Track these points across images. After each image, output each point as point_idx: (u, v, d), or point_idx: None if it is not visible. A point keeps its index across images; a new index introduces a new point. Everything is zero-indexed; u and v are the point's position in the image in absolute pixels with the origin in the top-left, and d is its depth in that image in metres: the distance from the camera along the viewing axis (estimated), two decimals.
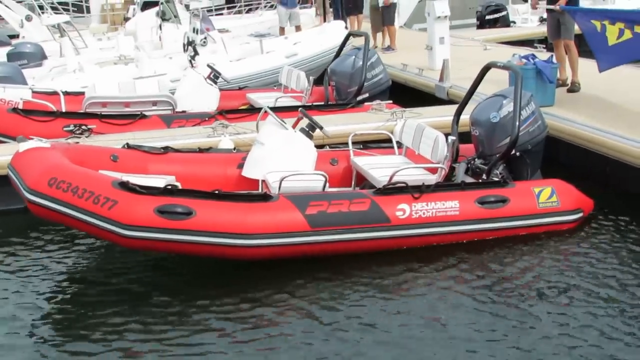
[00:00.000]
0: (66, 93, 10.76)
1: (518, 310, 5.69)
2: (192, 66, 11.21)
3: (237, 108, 10.58)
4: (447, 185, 6.92)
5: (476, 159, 7.58)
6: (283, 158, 7.27)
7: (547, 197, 6.97)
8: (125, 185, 6.26)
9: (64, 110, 10.22)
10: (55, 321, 5.94)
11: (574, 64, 9.90)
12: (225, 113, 9.68)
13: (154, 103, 10.04)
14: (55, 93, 10.65)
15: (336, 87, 10.99)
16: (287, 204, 6.40)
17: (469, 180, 7.37)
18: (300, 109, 7.74)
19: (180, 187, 7.40)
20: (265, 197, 6.44)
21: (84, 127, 8.85)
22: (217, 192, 6.43)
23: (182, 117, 9.70)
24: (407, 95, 12.68)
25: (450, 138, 7.33)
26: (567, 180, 7.42)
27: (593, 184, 8.11)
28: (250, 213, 6.30)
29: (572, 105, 9.32)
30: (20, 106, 9.74)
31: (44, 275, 6.68)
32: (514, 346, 5.20)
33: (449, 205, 6.69)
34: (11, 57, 15.28)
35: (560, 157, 8.91)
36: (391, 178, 6.88)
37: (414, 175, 7.08)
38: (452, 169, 7.61)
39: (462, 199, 6.74)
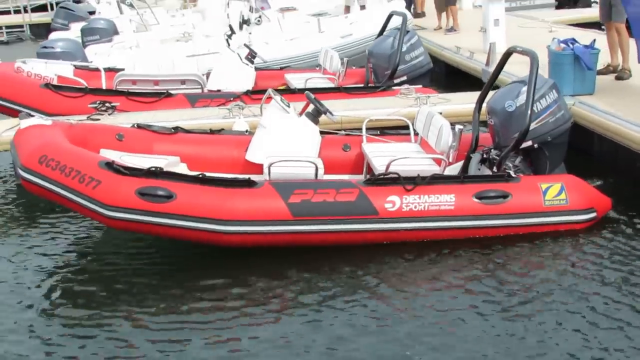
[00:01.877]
0: (108, 70, 10.91)
1: (506, 312, 5.33)
2: (229, 45, 11.12)
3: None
4: (445, 177, 6.56)
5: (492, 150, 7.16)
6: (284, 142, 7.10)
7: (555, 195, 6.48)
8: (110, 166, 6.26)
9: (104, 87, 10.38)
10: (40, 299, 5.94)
11: (625, 49, 9.20)
12: (251, 93, 9.56)
13: (183, 82, 10.03)
14: (97, 70, 10.82)
15: (374, 69, 10.70)
16: (271, 191, 6.23)
17: (486, 171, 6.99)
18: (306, 92, 7.52)
19: (186, 168, 7.43)
20: (250, 183, 6.28)
21: (107, 104, 8.93)
22: (200, 175, 6.34)
23: (208, 96, 9.64)
24: (459, 79, 12.24)
25: (458, 127, 6.95)
26: (595, 177, 6.92)
27: (624, 181, 7.54)
28: (232, 199, 6.16)
29: (616, 94, 8.68)
30: (55, 81, 9.94)
31: (35, 254, 6.72)
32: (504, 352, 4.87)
33: (443, 199, 6.33)
34: (85, 32, 15.65)
35: (594, 151, 8.34)
36: (387, 168, 6.60)
37: (417, 165, 6.75)
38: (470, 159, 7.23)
39: (459, 193, 6.37)
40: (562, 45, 8.69)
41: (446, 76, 13.38)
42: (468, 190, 6.40)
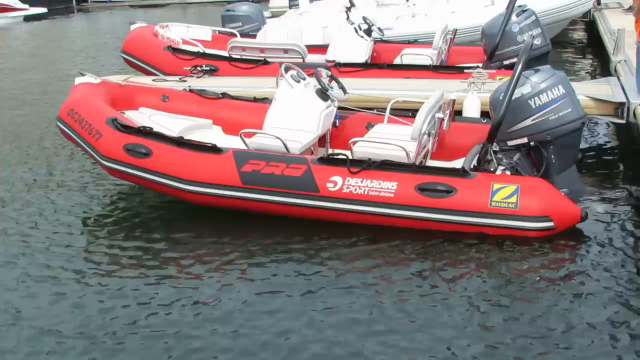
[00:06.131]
0: (245, 35, 11.90)
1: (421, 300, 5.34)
2: (348, 17, 11.40)
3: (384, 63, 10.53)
4: (396, 164, 6.44)
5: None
6: (287, 115, 7.46)
7: (505, 197, 6.05)
8: (113, 122, 7.23)
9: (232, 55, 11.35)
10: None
11: None
12: (339, 66, 9.84)
13: (286, 51, 10.59)
14: (234, 35, 11.86)
15: (485, 49, 10.28)
16: (229, 158, 6.71)
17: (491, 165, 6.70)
18: (316, 69, 7.73)
19: (220, 131, 8.16)
20: (215, 149, 6.82)
21: (199, 67, 9.89)
22: (179, 138, 7.02)
23: (299, 66, 10.05)
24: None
25: (437, 115, 6.73)
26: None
27: None
28: (196, 162, 6.78)
29: None
30: (181, 45, 11.15)
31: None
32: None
33: (385, 186, 6.28)
34: None
35: None
36: (351, 148, 6.71)
37: (385, 149, 6.72)
38: None
39: (402, 182, 6.27)
40: None
41: None
42: (412, 180, 6.26)
